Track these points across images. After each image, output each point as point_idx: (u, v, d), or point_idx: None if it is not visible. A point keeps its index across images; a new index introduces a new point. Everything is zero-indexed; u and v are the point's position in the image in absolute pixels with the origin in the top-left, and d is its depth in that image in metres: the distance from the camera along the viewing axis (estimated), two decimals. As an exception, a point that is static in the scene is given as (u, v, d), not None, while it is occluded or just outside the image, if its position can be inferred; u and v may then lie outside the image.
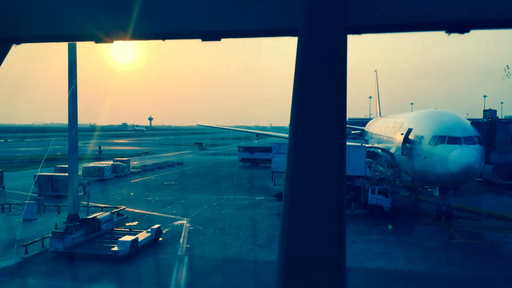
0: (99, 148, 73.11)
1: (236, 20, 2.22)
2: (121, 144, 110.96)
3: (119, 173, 51.06)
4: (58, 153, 65.23)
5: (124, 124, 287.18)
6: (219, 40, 2.28)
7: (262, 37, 2.32)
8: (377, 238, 25.67)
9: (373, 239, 25.46)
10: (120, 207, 31.46)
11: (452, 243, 25.22)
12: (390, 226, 29.67)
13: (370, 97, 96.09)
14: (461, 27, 1.98)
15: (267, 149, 54.33)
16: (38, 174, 39.17)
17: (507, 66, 45.88)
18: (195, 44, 2.28)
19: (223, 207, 34.27)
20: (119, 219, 29.13)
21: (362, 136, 66.24)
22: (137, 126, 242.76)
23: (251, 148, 68.18)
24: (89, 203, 30.82)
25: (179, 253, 23.21)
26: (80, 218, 25.70)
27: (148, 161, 66.98)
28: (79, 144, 28.73)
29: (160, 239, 24.96)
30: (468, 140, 26.85)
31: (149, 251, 23.13)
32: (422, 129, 30.11)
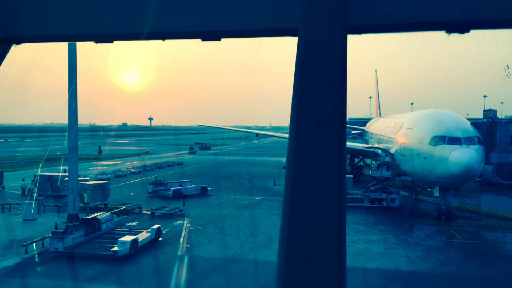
0: (99, 148, 73.21)
1: (236, 20, 2.22)
2: (121, 144, 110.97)
3: (118, 172, 51.49)
4: (58, 153, 65.26)
5: (124, 124, 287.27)
6: (219, 40, 2.28)
7: (262, 37, 2.31)
8: (377, 238, 25.68)
9: (373, 239, 25.47)
10: (120, 207, 31.51)
11: (452, 243, 25.23)
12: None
13: (370, 97, 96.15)
14: (461, 27, 1.98)
15: None
16: (39, 174, 39.06)
17: (507, 66, 45.87)
18: (195, 44, 2.29)
19: (223, 207, 34.28)
20: (119, 219, 29.19)
21: (362, 136, 66.26)
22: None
23: None
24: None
25: (179, 253, 23.23)
26: (80, 218, 25.74)
27: (148, 161, 66.99)
28: (79, 144, 28.76)
29: (160, 239, 24.97)
30: (468, 141, 26.85)
31: (149, 251, 23.14)
32: (422, 130, 30.11)
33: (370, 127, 60.01)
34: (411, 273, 20.63)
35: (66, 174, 39.91)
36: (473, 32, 2.00)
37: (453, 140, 26.95)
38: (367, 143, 54.64)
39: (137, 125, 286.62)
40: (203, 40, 2.29)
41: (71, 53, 26.37)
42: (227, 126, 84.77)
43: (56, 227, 23.74)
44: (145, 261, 21.92)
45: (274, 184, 43.94)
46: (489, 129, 40.75)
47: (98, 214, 26.37)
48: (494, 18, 1.95)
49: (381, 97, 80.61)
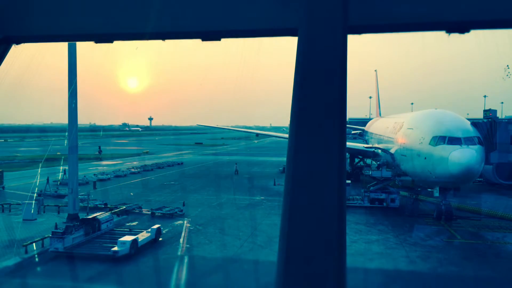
0: (99, 148, 73.27)
1: (236, 20, 2.21)
2: (121, 144, 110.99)
3: (118, 172, 51.57)
4: (58, 153, 65.29)
5: (124, 124, 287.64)
6: (219, 40, 2.28)
7: (262, 37, 2.31)
8: (377, 238, 25.69)
9: (373, 239, 25.48)
10: (120, 207, 31.54)
11: (452, 243, 25.24)
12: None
13: (370, 97, 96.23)
14: (461, 27, 1.98)
15: None
16: None
17: (507, 66, 45.85)
18: (195, 44, 2.29)
19: (223, 207, 34.29)
20: (119, 219, 29.20)
21: (362, 136, 66.26)
22: (133, 126, 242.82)
23: None
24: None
25: (179, 253, 23.24)
26: (80, 218, 25.74)
27: (148, 161, 67.00)
28: (79, 144, 28.77)
29: (160, 239, 24.97)
30: (468, 141, 26.86)
31: (149, 251, 23.14)
32: (422, 130, 30.11)
33: (370, 127, 60.00)
34: (411, 273, 20.64)
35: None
36: (473, 32, 2.00)
37: (453, 140, 26.95)
38: (367, 143, 54.64)
39: (137, 125, 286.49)
40: (203, 40, 2.29)
41: (71, 53, 26.37)
42: (227, 126, 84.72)
43: (56, 227, 23.75)
44: (145, 261, 21.92)
45: (274, 184, 43.97)
46: (489, 129, 40.79)
47: (98, 214, 26.37)
48: (494, 18, 1.95)
49: (381, 97, 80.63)
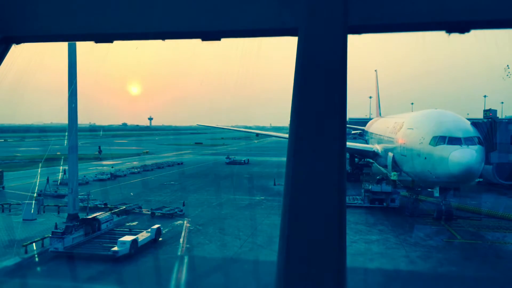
0: (99, 148, 73.21)
1: (236, 20, 2.21)
2: (121, 144, 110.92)
3: (118, 172, 51.58)
4: (58, 153, 65.24)
5: (124, 124, 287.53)
6: (219, 40, 2.28)
7: (262, 37, 2.31)
8: (377, 238, 25.69)
9: (373, 239, 25.47)
10: (120, 207, 31.52)
11: (452, 243, 25.23)
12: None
13: (370, 97, 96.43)
14: (461, 27, 1.98)
15: None
16: None
17: (507, 66, 45.83)
18: (195, 44, 2.28)
19: (223, 207, 34.27)
20: (119, 219, 29.19)
21: (362, 136, 66.29)
22: (132, 126, 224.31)
23: None
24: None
25: (179, 253, 23.23)
26: (80, 218, 25.73)
27: (148, 161, 66.95)
28: (79, 144, 28.76)
29: (160, 239, 24.97)
30: (468, 141, 26.86)
31: (149, 251, 23.14)
32: (422, 130, 30.11)
33: (370, 127, 60.01)
34: (411, 273, 20.63)
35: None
36: (473, 32, 2.00)
37: (453, 140, 26.96)
38: (367, 143, 54.68)
39: (137, 125, 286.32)
40: (203, 40, 2.29)
41: (71, 53, 26.33)
42: (227, 126, 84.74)
43: (56, 227, 23.73)
44: (145, 261, 21.92)
45: (274, 184, 43.96)
46: (489, 129, 40.75)
47: (98, 214, 26.37)
48: (494, 18, 1.95)
49: (381, 97, 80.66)
